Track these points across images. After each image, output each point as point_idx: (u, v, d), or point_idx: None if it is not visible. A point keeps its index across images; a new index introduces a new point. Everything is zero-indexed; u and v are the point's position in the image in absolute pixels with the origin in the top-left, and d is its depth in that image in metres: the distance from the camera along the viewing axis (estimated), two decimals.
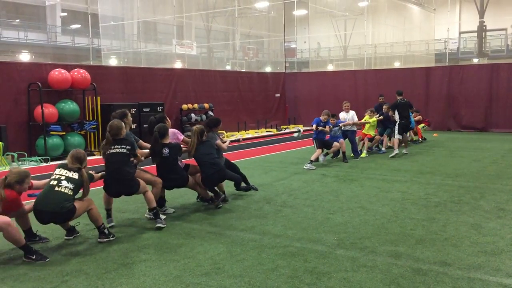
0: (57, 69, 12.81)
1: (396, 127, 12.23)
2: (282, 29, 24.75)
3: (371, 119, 12.58)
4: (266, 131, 20.04)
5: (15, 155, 11.56)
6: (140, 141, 6.91)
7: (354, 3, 29.61)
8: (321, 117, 11.04)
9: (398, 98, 12.43)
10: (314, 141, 11.14)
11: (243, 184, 7.99)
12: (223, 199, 7.34)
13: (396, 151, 11.97)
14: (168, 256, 5.11)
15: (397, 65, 29.60)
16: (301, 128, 11.63)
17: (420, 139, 15.25)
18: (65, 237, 5.81)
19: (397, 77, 20.05)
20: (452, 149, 13.50)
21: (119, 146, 5.99)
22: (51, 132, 12.34)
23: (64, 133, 12.72)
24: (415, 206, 7.05)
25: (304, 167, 10.50)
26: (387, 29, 30.20)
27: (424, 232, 5.76)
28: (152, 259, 5.04)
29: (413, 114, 14.45)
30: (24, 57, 30.98)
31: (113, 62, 28.41)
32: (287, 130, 20.30)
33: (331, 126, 11.18)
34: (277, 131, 20.22)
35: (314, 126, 10.93)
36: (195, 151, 7.06)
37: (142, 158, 6.48)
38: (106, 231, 5.71)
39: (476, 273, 4.53)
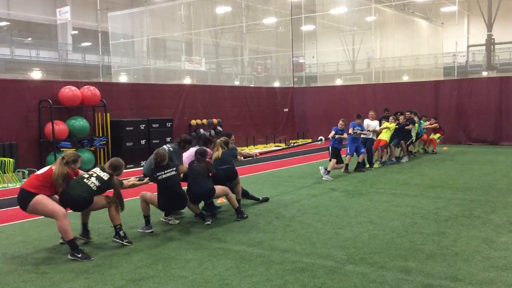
0: (68, 86, 12.94)
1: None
2: (290, 44, 24.87)
3: (390, 124, 12.99)
4: (275, 146, 20.03)
5: (26, 171, 11.65)
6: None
7: (362, 18, 29.74)
8: (338, 125, 11.37)
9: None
10: (329, 149, 11.40)
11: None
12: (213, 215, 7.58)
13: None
14: (176, 272, 5.09)
15: (405, 79, 29.56)
16: (323, 137, 11.93)
17: (434, 150, 15.77)
18: (78, 235, 6.16)
19: (406, 90, 20.01)
20: (463, 162, 13.39)
21: (170, 170, 6.68)
22: (61, 149, 12.42)
23: (74, 149, 12.79)
24: (425, 220, 6.98)
25: (323, 178, 10.78)
26: (395, 43, 30.25)
27: (435, 247, 5.69)
28: (160, 275, 5.02)
29: (428, 122, 15.76)
30: (36, 74, 31.44)
31: (123, 78, 28.73)
32: (295, 144, 20.32)
33: (353, 129, 11.66)
34: (286, 145, 20.20)
35: (333, 133, 11.23)
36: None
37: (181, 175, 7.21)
38: (121, 233, 6.06)
39: None
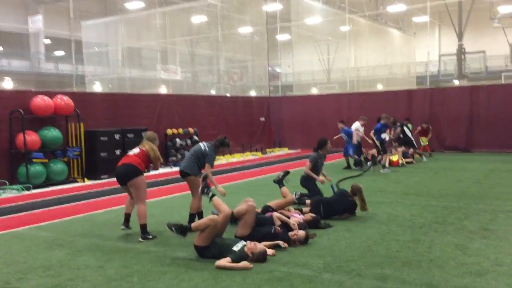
0: (40, 96, 12.72)
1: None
2: (265, 54, 25.01)
3: (394, 157, 14.42)
4: (252, 155, 20.05)
5: None
6: None
7: (336, 27, 30.15)
8: (382, 121, 13.47)
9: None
10: (379, 144, 13.05)
11: None
12: None
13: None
14: (152, 285, 5.01)
15: (379, 87, 30.04)
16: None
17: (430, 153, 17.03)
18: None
19: (380, 99, 20.30)
20: (436, 169, 13.62)
21: None
22: (33, 160, 12.17)
23: (46, 160, 12.56)
24: (401, 227, 7.06)
25: (381, 171, 12.71)
26: (369, 52, 30.73)
27: (410, 254, 5.75)
28: None
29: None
30: (7, 84, 30.76)
31: (97, 88, 28.36)
32: (272, 154, 20.40)
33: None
34: (262, 154, 20.24)
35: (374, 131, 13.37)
36: None
37: None
38: None
39: None
